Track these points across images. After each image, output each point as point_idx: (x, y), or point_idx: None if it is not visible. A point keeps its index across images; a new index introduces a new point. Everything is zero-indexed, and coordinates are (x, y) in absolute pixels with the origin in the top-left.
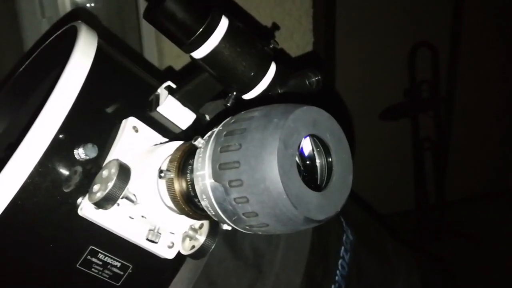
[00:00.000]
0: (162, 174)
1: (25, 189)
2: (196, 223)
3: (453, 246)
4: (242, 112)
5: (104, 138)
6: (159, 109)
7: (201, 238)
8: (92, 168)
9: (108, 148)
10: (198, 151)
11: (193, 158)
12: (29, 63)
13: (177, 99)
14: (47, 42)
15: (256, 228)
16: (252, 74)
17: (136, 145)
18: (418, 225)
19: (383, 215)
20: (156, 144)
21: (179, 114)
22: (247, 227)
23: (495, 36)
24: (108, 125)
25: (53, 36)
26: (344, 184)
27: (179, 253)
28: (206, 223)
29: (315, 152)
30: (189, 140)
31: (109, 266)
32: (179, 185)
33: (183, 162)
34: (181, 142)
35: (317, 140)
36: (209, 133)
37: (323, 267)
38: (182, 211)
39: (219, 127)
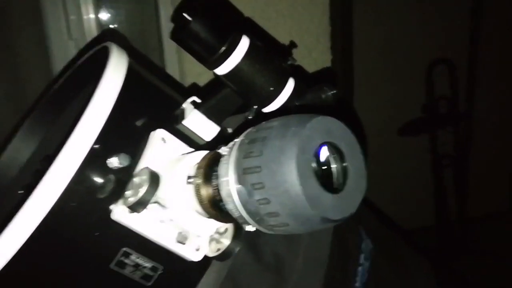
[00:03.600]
0: (190, 180)
1: (65, 195)
2: (221, 227)
3: (474, 263)
4: (263, 123)
5: (135, 149)
6: (184, 122)
7: (226, 241)
8: (124, 176)
9: (138, 157)
10: (222, 158)
11: (218, 165)
12: (63, 82)
13: (202, 112)
14: (80, 61)
15: (277, 228)
16: (271, 89)
17: (164, 155)
18: (439, 242)
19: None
20: (183, 154)
21: (203, 127)
22: (269, 227)
23: None
24: (138, 137)
25: (86, 56)
26: (358, 187)
27: (205, 256)
28: (230, 227)
29: (330, 158)
30: (212, 150)
31: (140, 267)
32: (205, 190)
33: (209, 169)
34: (206, 152)
35: (333, 147)
36: (233, 142)
37: (342, 273)
38: (209, 215)
39: (242, 136)
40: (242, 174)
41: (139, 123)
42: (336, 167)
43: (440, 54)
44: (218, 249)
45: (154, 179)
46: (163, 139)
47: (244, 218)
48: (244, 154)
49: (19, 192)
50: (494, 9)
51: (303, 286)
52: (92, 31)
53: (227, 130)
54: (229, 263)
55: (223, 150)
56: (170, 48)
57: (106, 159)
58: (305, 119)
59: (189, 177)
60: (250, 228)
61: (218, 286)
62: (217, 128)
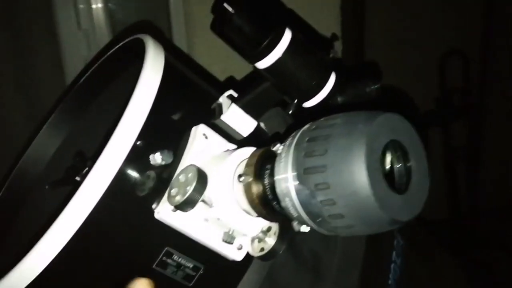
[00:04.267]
0: (241, 179)
1: (108, 194)
2: (265, 226)
3: (487, 256)
4: (321, 120)
5: (177, 145)
6: (223, 117)
7: (270, 241)
8: (165, 173)
9: (180, 154)
10: (279, 156)
11: (270, 163)
12: (91, 74)
13: (240, 107)
14: (110, 54)
15: (340, 230)
16: (314, 83)
17: (206, 151)
18: (451, 234)
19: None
20: (226, 150)
21: (241, 122)
22: (331, 228)
23: None
24: (179, 133)
25: (116, 48)
26: (422, 187)
27: (246, 255)
28: (275, 226)
29: (393, 157)
30: (250, 146)
31: (182, 267)
32: (256, 188)
33: (260, 167)
34: (253, 148)
35: (396, 146)
36: (289, 139)
37: (377, 271)
38: (258, 213)
39: (299, 133)
40: (304, 173)
41: (177, 118)
42: (399, 166)
43: (452, 45)
44: (262, 249)
45: (202, 177)
46: (204, 134)
47: (302, 219)
48: (305, 153)
49: (46, 187)
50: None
51: (340, 284)
52: (101, 22)
53: (261, 126)
54: (269, 262)
55: (277, 147)
56: (180, 38)
57: (147, 156)
58: (371, 116)
59: (240, 175)
60: (305, 228)
61: (258, 286)
62: (254, 123)
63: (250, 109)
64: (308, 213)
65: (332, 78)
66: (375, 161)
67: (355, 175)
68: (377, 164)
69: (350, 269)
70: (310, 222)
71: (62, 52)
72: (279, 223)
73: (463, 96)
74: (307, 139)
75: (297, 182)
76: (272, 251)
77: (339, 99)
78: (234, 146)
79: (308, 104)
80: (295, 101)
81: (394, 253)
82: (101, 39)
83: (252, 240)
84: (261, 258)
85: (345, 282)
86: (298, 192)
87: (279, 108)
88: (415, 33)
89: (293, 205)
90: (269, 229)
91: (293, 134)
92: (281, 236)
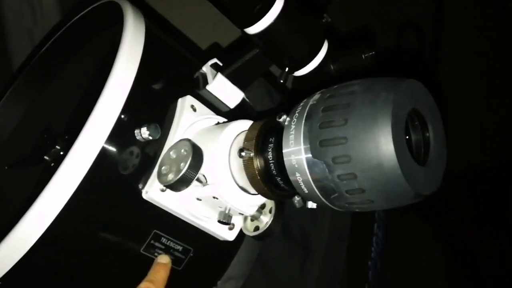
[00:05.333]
0: (243, 153)
1: (91, 172)
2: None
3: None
4: (335, 87)
5: (162, 118)
6: (208, 87)
7: (265, 219)
8: (150, 150)
9: (167, 128)
10: (286, 127)
11: (274, 135)
12: (55, 41)
13: (226, 76)
14: (79, 16)
15: (357, 205)
16: (307, 50)
17: (195, 125)
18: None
19: None
20: (218, 123)
21: (228, 92)
22: (346, 205)
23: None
24: (164, 105)
25: (87, 11)
26: (441, 159)
27: (238, 234)
28: (269, 203)
29: (411, 127)
30: (236, 119)
31: (171, 251)
32: (258, 164)
33: (262, 140)
34: (249, 121)
35: (416, 115)
36: (298, 109)
37: (361, 244)
38: (259, 191)
39: (310, 103)
40: (320, 146)
41: (161, 89)
42: (417, 137)
43: (407, 17)
44: (257, 227)
45: (197, 153)
46: (193, 106)
47: (313, 195)
48: (320, 123)
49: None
50: None
51: (329, 258)
52: None
53: (245, 98)
54: (260, 242)
55: (283, 119)
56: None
57: (132, 131)
58: (394, 83)
59: (241, 150)
60: (311, 205)
61: (249, 268)
62: (241, 94)
63: (237, 79)
64: (321, 188)
65: (325, 45)
66: (400, 131)
67: (381, 146)
68: (402, 135)
69: (337, 244)
70: (322, 198)
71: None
72: (276, 200)
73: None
74: (322, 108)
75: (310, 156)
76: (269, 230)
77: (332, 67)
78: (224, 119)
79: (300, 72)
80: (286, 69)
81: (375, 225)
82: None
83: (245, 219)
84: (257, 237)
85: (334, 258)
86: (311, 166)
87: (262, 79)
88: (370, 8)
89: (305, 181)
90: (263, 206)
91: (302, 103)
92: (277, 214)
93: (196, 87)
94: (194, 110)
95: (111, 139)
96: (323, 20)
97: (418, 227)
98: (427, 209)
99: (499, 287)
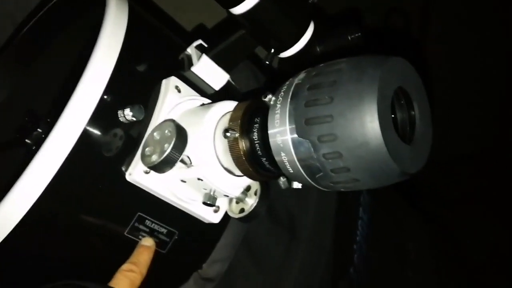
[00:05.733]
0: (228, 134)
1: (73, 154)
2: (244, 185)
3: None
4: (321, 66)
5: (146, 99)
6: (193, 68)
7: (250, 201)
8: (134, 131)
9: (151, 109)
10: (272, 107)
11: (260, 115)
12: (37, 21)
13: (211, 58)
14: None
15: (342, 185)
16: (293, 31)
17: (180, 106)
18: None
19: None
20: (202, 104)
21: (213, 74)
22: (331, 184)
23: None
24: (148, 86)
25: None
26: (427, 137)
27: (223, 217)
28: (254, 185)
29: (397, 105)
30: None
31: (155, 233)
32: (244, 144)
33: (248, 120)
34: (234, 102)
35: (401, 93)
36: (283, 88)
37: (346, 228)
38: (244, 172)
39: (295, 81)
40: (305, 124)
41: (145, 71)
42: (402, 115)
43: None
44: (242, 210)
45: (182, 133)
46: (177, 87)
47: (298, 175)
48: (306, 102)
49: None
50: None
51: (315, 242)
52: None
53: (230, 80)
54: (245, 224)
55: (269, 98)
56: None
57: (115, 112)
58: (380, 60)
59: (226, 130)
60: (297, 185)
61: (234, 251)
62: (226, 76)
63: (222, 61)
64: (306, 168)
65: (311, 26)
66: (386, 109)
67: (366, 124)
68: (388, 113)
69: (323, 228)
70: (307, 178)
71: None
72: (261, 182)
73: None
74: (307, 86)
75: (295, 135)
76: (254, 212)
77: (318, 48)
78: (209, 101)
79: (286, 54)
80: (272, 51)
81: (361, 209)
82: None
83: (230, 201)
84: (242, 219)
85: (319, 241)
86: (296, 146)
87: (248, 61)
88: None
89: (290, 160)
90: (248, 188)
91: (288, 82)
92: (262, 196)
93: (181, 69)
94: (179, 91)
95: (93, 120)
96: (309, 1)
97: (404, 211)
98: (413, 194)
99: (485, 268)
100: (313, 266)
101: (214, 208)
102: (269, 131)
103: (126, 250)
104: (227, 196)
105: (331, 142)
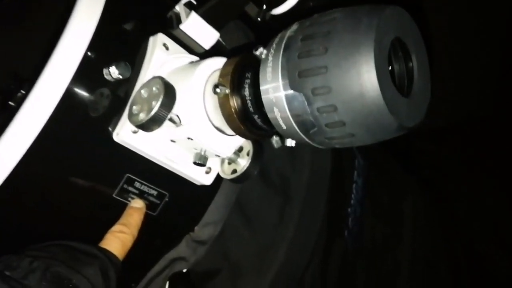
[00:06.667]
0: (218, 90)
1: (56, 114)
2: (236, 146)
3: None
4: (315, 16)
5: (133, 57)
6: (182, 26)
7: (242, 162)
8: (121, 90)
9: (138, 67)
10: (263, 61)
11: (251, 70)
12: None
13: (201, 15)
14: None
15: (337, 140)
16: None
17: (168, 64)
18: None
19: None
20: (190, 63)
21: (202, 32)
22: (326, 140)
23: None
24: (134, 43)
25: None
26: (425, 91)
27: (215, 178)
28: (247, 145)
29: (393, 57)
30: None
31: (145, 195)
32: (235, 101)
33: (238, 76)
34: (224, 58)
35: (398, 44)
36: (275, 40)
37: (341, 191)
38: (235, 130)
39: (288, 33)
40: (298, 77)
41: (131, 27)
42: (399, 67)
43: None
44: (235, 170)
45: (170, 90)
46: (165, 45)
47: (292, 131)
48: (299, 53)
49: None
50: None
51: (309, 204)
52: None
53: (220, 40)
54: (238, 186)
55: (260, 51)
56: None
57: (101, 70)
58: (377, 9)
59: (216, 86)
60: (290, 143)
61: (228, 211)
62: (216, 34)
63: (212, 18)
64: (300, 123)
65: None
66: (383, 59)
67: (362, 75)
68: (385, 63)
69: (317, 191)
70: (300, 134)
71: None
72: (253, 141)
73: None
74: (300, 37)
75: (289, 89)
76: (246, 173)
77: (311, 3)
78: (198, 59)
79: (278, 10)
80: (264, 7)
81: (355, 173)
82: None
83: (222, 162)
84: (234, 180)
85: (313, 204)
86: (290, 100)
87: (239, 21)
88: None
89: (283, 116)
90: (240, 149)
91: (280, 35)
92: (255, 156)
93: (169, 27)
94: (167, 48)
95: (77, 78)
96: None
97: (398, 176)
98: (408, 160)
99: (479, 233)
100: (307, 229)
101: (205, 169)
102: (261, 87)
103: (115, 212)
104: (219, 156)
105: (325, 95)
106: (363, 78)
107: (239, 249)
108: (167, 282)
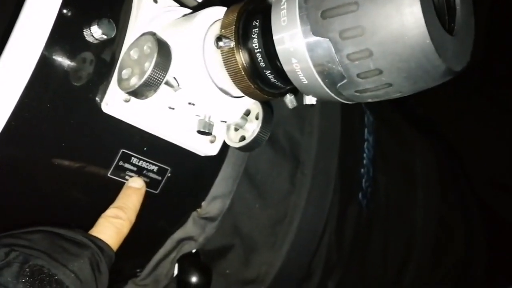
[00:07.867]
0: (221, 43)
1: (33, 85)
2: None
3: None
4: None
5: (117, 13)
6: None
7: (250, 127)
8: (107, 53)
9: (124, 24)
10: (275, 3)
11: (259, 17)
12: None
13: None
14: None
15: (370, 93)
16: None
17: (158, 19)
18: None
19: None
20: (185, 15)
21: None
22: (357, 94)
23: None
24: None
25: None
26: (469, 28)
27: (221, 148)
28: (255, 108)
29: None
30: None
31: (144, 172)
32: (241, 56)
33: (244, 25)
34: (224, 7)
35: None
36: None
37: (352, 151)
38: (244, 90)
39: None
40: (322, 18)
41: None
42: (441, 1)
43: None
44: (243, 137)
45: (164, 48)
46: None
47: (315, 85)
48: None
49: None
50: None
51: (320, 167)
52: None
53: None
54: (245, 154)
55: None
56: None
57: (81, 30)
58: None
59: (219, 38)
60: (310, 100)
61: (235, 186)
62: None
63: None
64: (326, 75)
65: None
66: None
67: (404, 9)
68: None
69: (328, 152)
70: (325, 88)
71: None
72: (261, 103)
73: None
74: None
75: (310, 35)
76: (257, 139)
77: None
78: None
79: None
80: None
81: (366, 130)
82: None
83: (227, 128)
84: (243, 148)
85: (325, 167)
86: (312, 48)
87: None
88: None
89: (304, 67)
90: (247, 112)
91: None
92: (265, 119)
93: None
94: (155, 1)
95: (52, 41)
96: None
97: (408, 131)
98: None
99: (491, 185)
100: (320, 194)
101: (210, 138)
102: (275, 36)
103: (112, 194)
104: (225, 122)
105: (357, 37)
106: (404, 12)
107: (251, 223)
108: (176, 265)
